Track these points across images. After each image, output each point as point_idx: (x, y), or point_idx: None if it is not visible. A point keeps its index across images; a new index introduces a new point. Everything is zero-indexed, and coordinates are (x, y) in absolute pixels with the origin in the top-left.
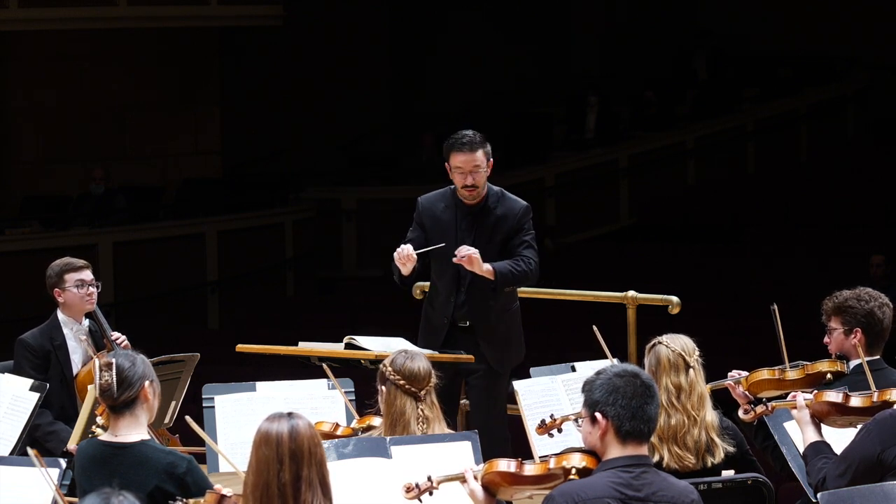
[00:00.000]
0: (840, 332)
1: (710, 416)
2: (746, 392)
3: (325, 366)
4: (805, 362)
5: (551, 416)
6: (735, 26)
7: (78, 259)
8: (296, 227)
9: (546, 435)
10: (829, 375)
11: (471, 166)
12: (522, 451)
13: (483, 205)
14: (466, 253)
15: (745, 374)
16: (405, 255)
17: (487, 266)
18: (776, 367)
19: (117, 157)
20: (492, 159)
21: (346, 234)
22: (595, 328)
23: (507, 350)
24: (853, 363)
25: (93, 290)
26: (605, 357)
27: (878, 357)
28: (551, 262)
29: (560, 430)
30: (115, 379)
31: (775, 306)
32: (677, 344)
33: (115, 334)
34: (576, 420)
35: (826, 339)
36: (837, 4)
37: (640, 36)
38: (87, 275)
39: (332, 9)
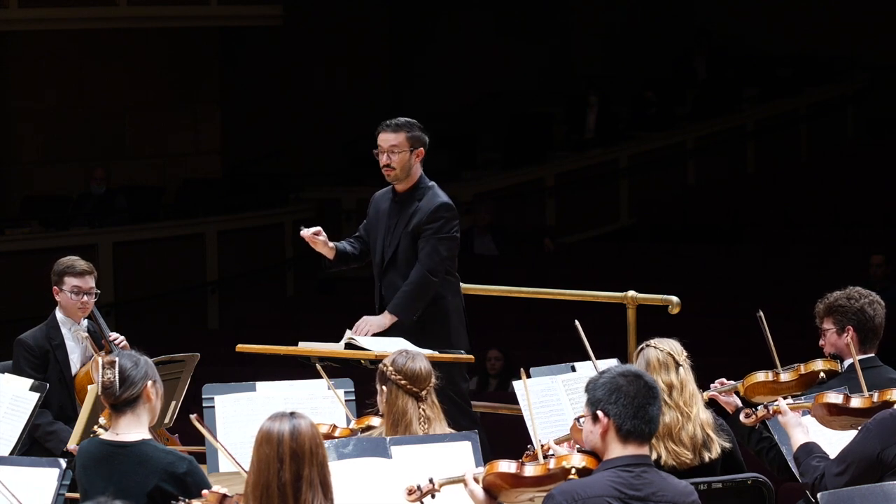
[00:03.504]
0: (833, 331)
1: (704, 413)
2: (736, 398)
3: (319, 367)
4: (798, 364)
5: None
6: (734, 26)
7: (84, 262)
8: (296, 227)
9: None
10: (822, 375)
11: (387, 146)
12: (519, 452)
13: (410, 194)
14: (360, 329)
15: (728, 383)
16: (308, 237)
17: (385, 316)
18: (770, 371)
19: (117, 157)
20: (421, 148)
21: (346, 234)
22: (577, 323)
23: (422, 340)
24: (847, 362)
25: (87, 299)
26: (589, 356)
27: (872, 355)
28: (551, 261)
29: (546, 458)
30: (117, 377)
31: (761, 313)
32: (665, 345)
33: (114, 335)
34: (581, 419)
35: (821, 342)
36: (837, 5)
37: (640, 36)
38: (87, 282)
39: (332, 9)
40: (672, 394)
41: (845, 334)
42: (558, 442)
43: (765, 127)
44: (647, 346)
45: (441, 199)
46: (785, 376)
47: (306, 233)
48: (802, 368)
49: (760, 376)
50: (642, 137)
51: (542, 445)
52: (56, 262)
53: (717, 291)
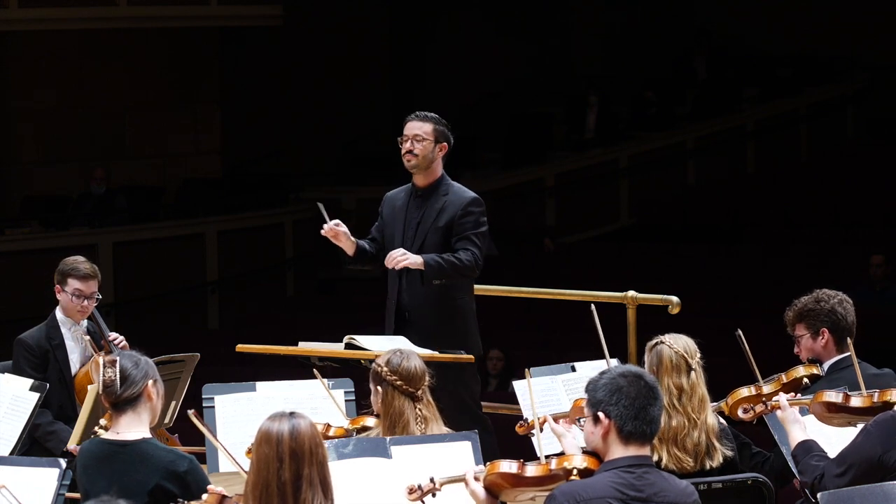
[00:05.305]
0: (807, 336)
1: (711, 419)
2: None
3: (316, 371)
4: (780, 374)
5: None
6: (734, 26)
7: (89, 266)
8: (296, 227)
9: (528, 434)
10: (805, 381)
11: (412, 133)
12: (520, 452)
13: (433, 189)
14: (394, 256)
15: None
16: (330, 232)
17: (419, 258)
18: (753, 385)
19: (117, 157)
20: (445, 143)
21: None
22: (593, 307)
23: (435, 340)
24: (827, 364)
25: (88, 303)
26: (602, 347)
27: (850, 353)
28: (551, 261)
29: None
30: (118, 376)
31: (740, 332)
32: (679, 345)
33: (113, 335)
34: (578, 421)
35: (796, 350)
36: (837, 5)
37: (640, 36)
38: (89, 287)
39: (332, 9)
40: (681, 398)
41: (820, 338)
42: (556, 418)
43: (765, 127)
44: (661, 342)
45: (471, 194)
46: (767, 388)
47: (327, 227)
48: (784, 377)
49: (744, 391)
50: (642, 137)
51: (539, 418)
52: (62, 260)
53: (717, 291)
